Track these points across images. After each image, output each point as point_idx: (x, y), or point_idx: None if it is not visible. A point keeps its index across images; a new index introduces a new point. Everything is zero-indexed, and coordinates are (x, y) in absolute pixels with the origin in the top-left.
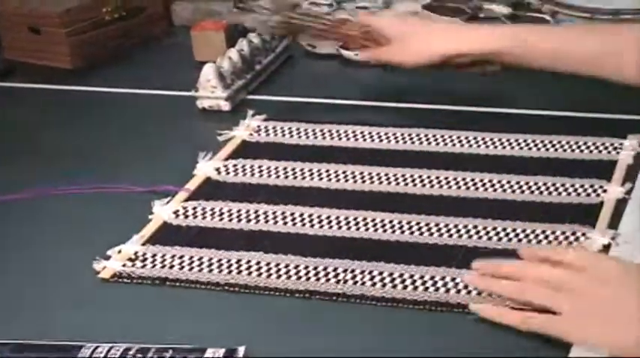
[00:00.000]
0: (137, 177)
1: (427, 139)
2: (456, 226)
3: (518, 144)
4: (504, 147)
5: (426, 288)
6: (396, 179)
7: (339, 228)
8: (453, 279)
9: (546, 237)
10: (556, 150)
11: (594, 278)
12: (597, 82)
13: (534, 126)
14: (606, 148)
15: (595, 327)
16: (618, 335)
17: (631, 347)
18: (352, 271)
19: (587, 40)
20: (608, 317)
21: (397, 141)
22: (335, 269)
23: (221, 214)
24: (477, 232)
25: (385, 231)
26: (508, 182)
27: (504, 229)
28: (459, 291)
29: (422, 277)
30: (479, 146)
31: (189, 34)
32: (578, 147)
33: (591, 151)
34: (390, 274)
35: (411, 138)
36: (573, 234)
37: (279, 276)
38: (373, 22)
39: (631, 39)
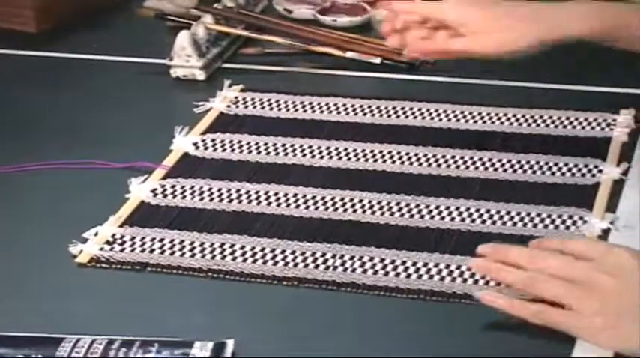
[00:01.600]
0: (110, 152)
1: (414, 113)
2: (447, 208)
3: (508, 119)
4: (493, 122)
5: (420, 276)
6: (383, 156)
7: (326, 209)
8: (448, 266)
9: (542, 221)
10: (547, 125)
11: (605, 270)
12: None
13: (523, 99)
14: (599, 124)
15: (605, 326)
16: (624, 336)
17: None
18: (342, 257)
19: None
20: (616, 315)
21: (382, 115)
22: (324, 255)
23: (201, 193)
24: (470, 215)
25: (374, 213)
26: (499, 160)
27: (498, 212)
28: (454, 279)
29: (415, 263)
30: (467, 121)
31: None
32: (570, 122)
33: (584, 127)
34: (382, 260)
35: (396, 112)
36: (570, 217)
37: (265, 262)
38: (437, 15)
39: None
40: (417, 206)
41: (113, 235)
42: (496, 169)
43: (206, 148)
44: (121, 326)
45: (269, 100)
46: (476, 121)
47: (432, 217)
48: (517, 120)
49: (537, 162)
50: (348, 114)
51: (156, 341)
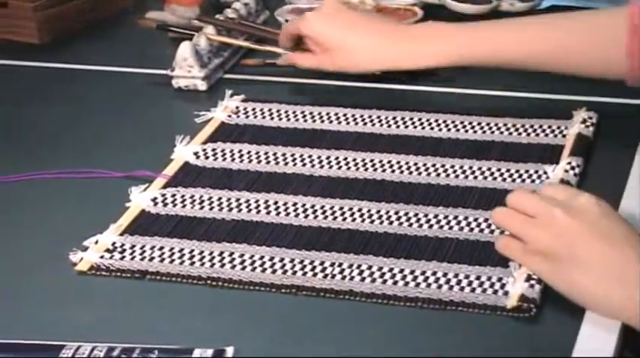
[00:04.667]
0: (111, 162)
1: (413, 123)
2: (446, 217)
3: (507, 129)
4: (492, 132)
5: (417, 284)
6: (382, 165)
7: (325, 218)
8: (445, 274)
9: None
10: (546, 135)
11: (567, 210)
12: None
13: (523, 109)
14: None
15: (547, 261)
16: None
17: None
18: (340, 265)
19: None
20: (561, 253)
21: (382, 125)
22: (322, 263)
23: (201, 202)
24: (468, 224)
25: (373, 221)
26: (498, 169)
27: None
28: (451, 288)
29: (412, 272)
30: (466, 131)
31: (162, 7)
32: (534, 130)
33: (547, 135)
34: (380, 268)
35: (396, 122)
36: None
37: (263, 270)
38: (307, 33)
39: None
40: (416, 215)
41: (113, 243)
42: (495, 178)
43: (207, 158)
44: (121, 333)
45: (270, 110)
46: (475, 131)
47: (430, 226)
48: (516, 129)
49: (536, 171)
50: (348, 123)
51: (156, 348)
